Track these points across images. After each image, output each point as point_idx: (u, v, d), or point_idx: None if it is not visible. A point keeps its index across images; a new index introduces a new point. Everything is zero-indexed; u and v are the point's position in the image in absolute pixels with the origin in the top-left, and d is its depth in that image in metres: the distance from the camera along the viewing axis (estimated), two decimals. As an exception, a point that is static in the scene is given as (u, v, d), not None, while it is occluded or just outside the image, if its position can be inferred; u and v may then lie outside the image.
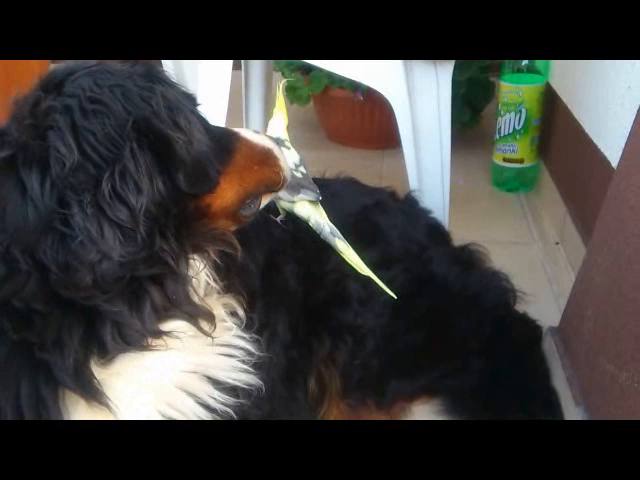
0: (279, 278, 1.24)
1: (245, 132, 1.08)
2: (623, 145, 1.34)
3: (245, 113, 2.20)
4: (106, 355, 0.90)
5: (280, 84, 1.29)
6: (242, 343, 1.03)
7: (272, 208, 1.18)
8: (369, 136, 2.77)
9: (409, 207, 1.53)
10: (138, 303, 0.89)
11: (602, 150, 1.73)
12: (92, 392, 0.90)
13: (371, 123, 2.72)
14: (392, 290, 1.28)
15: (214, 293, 1.03)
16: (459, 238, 1.57)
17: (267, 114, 2.21)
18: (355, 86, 2.53)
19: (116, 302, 0.88)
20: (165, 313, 0.92)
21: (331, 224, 1.18)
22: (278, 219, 1.22)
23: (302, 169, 1.22)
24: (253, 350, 1.03)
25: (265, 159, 1.06)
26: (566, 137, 2.15)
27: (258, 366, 1.03)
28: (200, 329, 0.96)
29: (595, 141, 1.79)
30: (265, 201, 1.09)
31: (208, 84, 1.58)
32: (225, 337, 1.01)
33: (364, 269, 1.18)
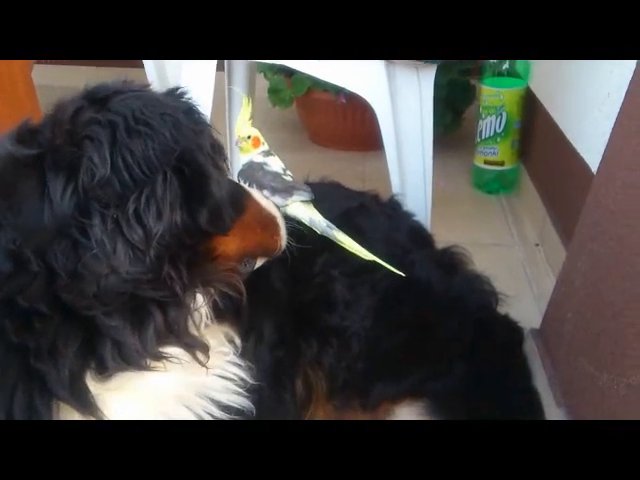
0: (264, 280, 1.24)
1: (256, 194, 1.12)
2: (601, 149, 1.36)
3: (228, 115, 2.20)
4: (105, 372, 0.90)
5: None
6: (236, 370, 1.05)
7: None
8: (351, 138, 2.79)
9: (392, 210, 1.53)
10: (141, 324, 0.90)
11: (581, 154, 1.76)
12: (87, 405, 0.89)
13: (353, 125, 2.73)
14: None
15: (214, 321, 1.04)
16: (440, 240, 1.58)
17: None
18: (338, 89, 2.54)
19: (115, 317, 0.88)
20: (165, 339, 0.93)
21: (325, 219, 1.22)
22: None
23: (289, 172, 1.24)
24: (247, 378, 1.05)
25: (268, 224, 1.10)
26: (546, 140, 2.18)
27: (250, 389, 1.05)
28: (196, 359, 0.97)
29: (574, 145, 1.82)
30: (259, 264, 1.11)
31: (192, 86, 1.57)
32: (221, 362, 1.03)
33: (367, 254, 1.21)
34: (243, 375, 1.05)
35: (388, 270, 1.23)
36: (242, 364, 1.06)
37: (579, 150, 1.77)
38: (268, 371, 1.15)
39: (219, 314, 1.04)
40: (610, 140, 1.29)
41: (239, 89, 1.27)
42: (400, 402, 1.39)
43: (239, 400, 1.03)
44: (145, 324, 0.90)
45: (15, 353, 0.87)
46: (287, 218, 1.19)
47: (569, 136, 1.88)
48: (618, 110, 1.31)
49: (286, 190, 1.20)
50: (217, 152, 0.95)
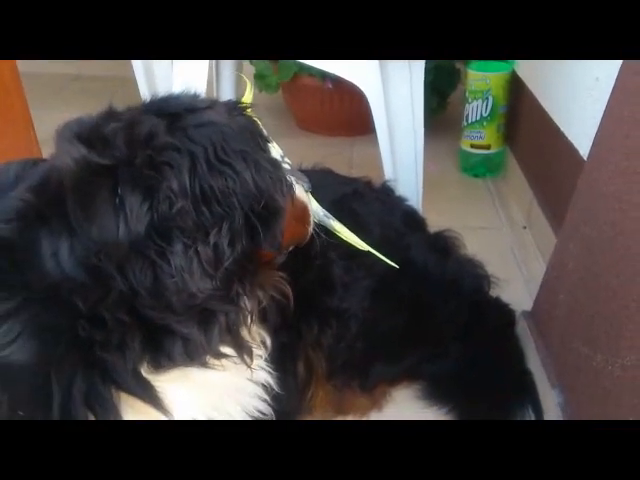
0: None
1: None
2: (590, 133, 1.38)
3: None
4: (169, 365, 0.93)
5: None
6: (266, 376, 1.08)
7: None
8: (338, 124, 2.78)
9: (385, 196, 1.56)
10: (207, 325, 0.92)
11: (569, 137, 1.78)
12: (152, 396, 0.93)
13: (340, 111, 2.73)
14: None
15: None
16: (429, 223, 1.60)
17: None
18: (324, 74, 2.55)
19: (187, 324, 0.90)
20: (224, 339, 0.96)
21: (322, 208, 1.23)
22: None
23: (287, 160, 1.25)
24: (273, 385, 1.09)
25: (301, 216, 1.11)
26: (532, 124, 2.19)
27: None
28: (243, 360, 1.00)
29: (562, 129, 1.84)
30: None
31: (184, 84, 1.56)
32: (254, 365, 1.05)
33: (362, 245, 1.23)
34: (270, 381, 1.09)
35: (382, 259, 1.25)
36: (271, 370, 1.10)
37: (567, 134, 1.79)
38: (273, 355, 1.15)
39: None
40: (601, 125, 1.31)
41: (244, 76, 1.25)
42: (397, 384, 1.42)
43: (263, 407, 1.07)
44: (211, 325, 0.93)
45: (78, 344, 0.88)
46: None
47: (556, 120, 1.90)
48: (607, 94, 1.33)
49: None
50: (289, 183, 0.98)
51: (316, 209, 1.22)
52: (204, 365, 0.95)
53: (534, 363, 1.40)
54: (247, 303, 0.97)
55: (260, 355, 1.08)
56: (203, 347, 0.93)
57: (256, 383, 1.07)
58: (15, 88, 2.08)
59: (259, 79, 2.81)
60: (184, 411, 0.97)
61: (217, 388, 1.01)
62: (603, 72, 1.52)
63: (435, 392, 1.41)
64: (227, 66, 2.16)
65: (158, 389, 0.93)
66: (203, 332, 0.92)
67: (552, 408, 1.27)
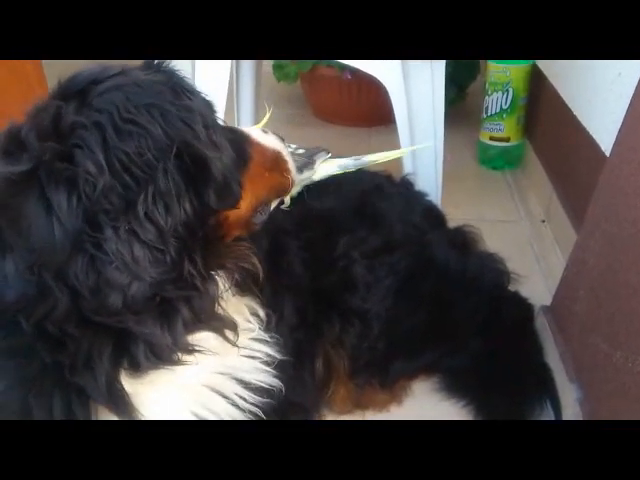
0: (284, 262, 1.26)
1: (255, 133, 1.06)
2: (612, 128, 1.38)
3: (236, 97, 2.20)
4: (139, 370, 0.91)
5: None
6: (263, 347, 1.06)
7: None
8: (357, 114, 2.79)
9: (405, 190, 1.56)
10: (169, 321, 0.90)
11: (589, 131, 1.77)
12: (124, 408, 0.91)
13: (359, 101, 2.73)
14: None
15: (236, 295, 1.04)
16: (447, 216, 1.61)
17: (258, 97, 2.23)
18: (343, 65, 2.55)
19: (148, 323, 0.88)
20: (194, 327, 0.94)
21: (348, 157, 1.25)
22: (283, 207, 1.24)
23: (292, 145, 1.23)
24: (274, 354, 1.07)
25: (276, 164, 1.07)
26: (553, 117, 2.18)
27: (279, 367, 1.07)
28: (226, 339, 0.98)
29: (583, 123, 1.83)
30: (273, 206, 1.10)
31: (206, 84, 1.57)
32: (247, 341, 1.04)
33: (402, 151, 1.28)
34: (270, 351, 1.07)
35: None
36: (268, 339, 1.08)
37: (588, 128, 1.78)
38: (288, 352, 1.15)
39: (240, 287, 1.04)
40: (624, 122, 1.31)
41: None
42: (416, 378, 1.44)
43: (268, 379, 1.05)
44: (173, 320, 0.90)
45: (50, 370, 0.87)
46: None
47: (577, 113, 1.89)
48: (629, 90, 1.32)
49: (307, 163, 1.21)
50: (211, 128, 0.91)
51: (345, 162, 1.24)
52: (176, 364, 0.93)
53: (553, 358, 1.41)
54: (208, 285, 0.93)
55: (250, 328, 1.05)
56: (168, 345, 0.90)
57: (253, 357, 1.05)
58: (38, 81, 2.09)
59: (278, 69, 2.82)
60: (166, 413, 0.96)
61: (202, 381, 0.98)
62: (626, 67, 1.51)
63: (453, 385, 1.42)
64: (247, 65, 2.16)
65: (132, 398, 0.92)
66: (166, 329, 0.89)
67: (571, 404, 1.28)
